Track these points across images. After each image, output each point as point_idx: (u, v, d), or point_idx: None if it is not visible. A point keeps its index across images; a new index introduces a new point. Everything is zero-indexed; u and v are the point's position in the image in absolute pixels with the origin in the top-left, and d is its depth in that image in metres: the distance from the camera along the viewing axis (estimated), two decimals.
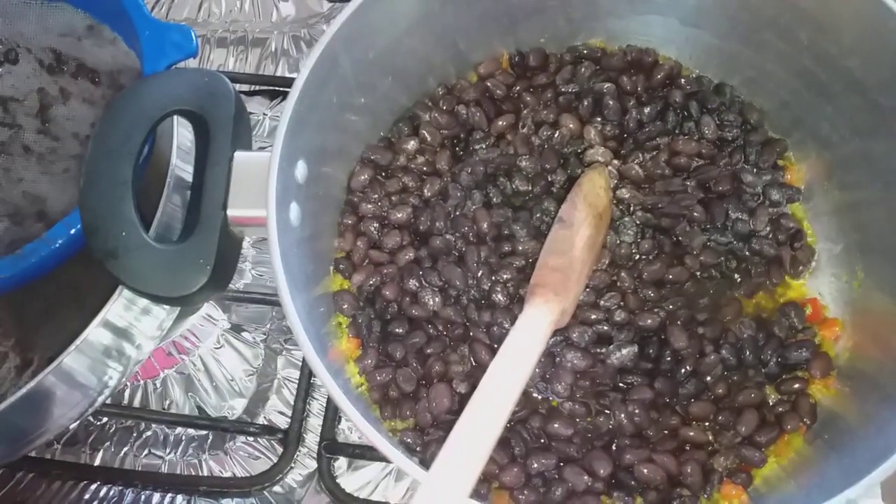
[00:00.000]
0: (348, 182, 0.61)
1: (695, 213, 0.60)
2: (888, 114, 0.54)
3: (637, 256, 0.60)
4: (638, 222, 0.61)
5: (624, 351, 0.56)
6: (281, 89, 0.84)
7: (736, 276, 0.60)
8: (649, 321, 0.57)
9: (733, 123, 0.63)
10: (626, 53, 0.65)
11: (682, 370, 0.56)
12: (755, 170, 0.62)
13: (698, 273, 0.59)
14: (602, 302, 0.58)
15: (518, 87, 0.65)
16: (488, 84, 0.65)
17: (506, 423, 0.46)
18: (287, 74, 0.86)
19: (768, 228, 0.60)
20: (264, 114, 0.83)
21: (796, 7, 0.55)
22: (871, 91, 0.54)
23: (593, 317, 0.57)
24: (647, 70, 0.64)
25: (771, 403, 0.56)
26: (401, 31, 0.58)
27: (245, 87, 0.84)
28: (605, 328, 0.57)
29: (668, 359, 0.56)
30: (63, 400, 0.59)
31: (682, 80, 0.64)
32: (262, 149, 0.78)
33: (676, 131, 0.63)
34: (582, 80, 0.64)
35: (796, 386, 0.56)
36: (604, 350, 0.56)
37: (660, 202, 0.60)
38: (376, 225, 0.60)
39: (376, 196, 0.61)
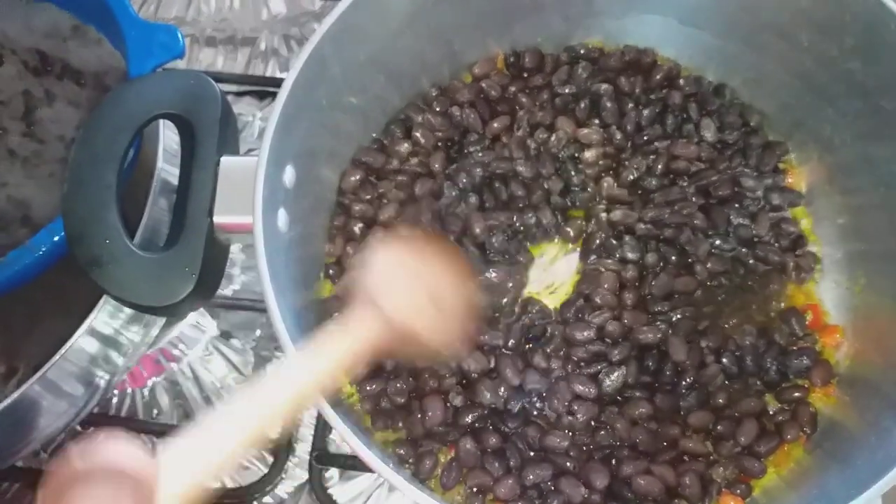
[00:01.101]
0: (339, 184, 0.60)
1: (696, 221, 0.59)
2: (890, 117, 0.53)
3: (644, 273, 0.58)
4: (638, 235, 0.59)
5: (614, 376, 0.54)
6: (271, 90, 0.83)
7: (749, 282, 0.58)
8: (650, 336, 0.55)
9: (733, 126, 0.61)
10: (625, 54, 0.64)
11: (683, 382, 0.54)
12: (756, 173, 0.61)
13: (707, 281, 0.58)
14: (594, 319, 0.56)
15: (513, 88, 0.63)
16: (483, 85, 0.63)
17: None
18: (277, 74, 0.85)
19: (771, 234, 0.59)
20: (254, 115, 0.82)
21: (797, 8, 0.55)
22: (872, 94, 0.54)
23: (587, 334, 0.56)
24: (646, 71, 0.63)
25: (771, 412, 0.55)
26: (392, 30, 0.57)
27: (234, 88, 0.82)
28: (601, 347, 0.56)
29: (668, 372, 0.55)
30: (49, 409, 0.58)
31: (681, 81, 0.63)
32: (251, 151, 0.78)
33: (675, 134, 0.62)
34: (579, 81, 0.63)
35: (796, 394, 0.55)
36: (602, 367, 0.55)
37: (661, 214, 0.59)
38: (363, 226, 0.59)
39: (368, 197, 0.59)
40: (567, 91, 0.63)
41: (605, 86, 0.62)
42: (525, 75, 0.64)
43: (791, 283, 0.59)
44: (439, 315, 0.47)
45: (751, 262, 0.59)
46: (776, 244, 0.59)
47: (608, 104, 0.62)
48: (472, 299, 0.50)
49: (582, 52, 0.64)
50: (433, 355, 0.50)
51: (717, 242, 0.59)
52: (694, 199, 0.60)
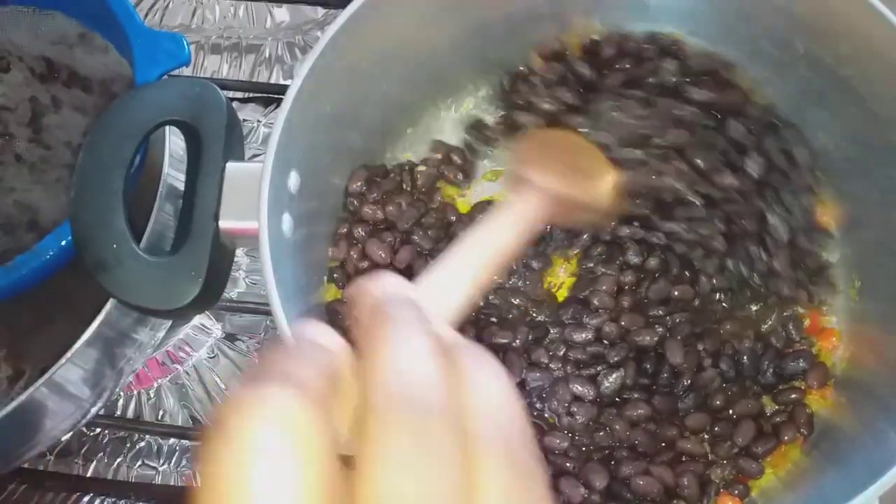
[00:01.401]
0: (346, 187, 0.60)
1: (714, 243, 0.56)
2: (884, 124, 0.53)
3: (642, 277, 0.58)
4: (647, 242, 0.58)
5: (612, 377, 0.55)
6: (275, 96, 0.84)
7: (752, 305, 0.58)
8: (647, 339, 0.56)
9: (779, 167, 0.58)
10: (705, 57, 0.60)
11: (681, 384, 0.55)
12: (785, 211, 0.57)
13: (708, 294, 0.57)
14: (591, 321, 0.57)
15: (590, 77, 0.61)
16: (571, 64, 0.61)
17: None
18: (281, 81, 0.85)
19: (790, 269, 0.56)
20: (258, 121, 0.83)
21: (792, 15, 0.55)
22: (867, 100, 0.54)
23: (585, 336, 0.56)
24: (723, 86, 0.60)
25: (768, 414, 0.55)
26: (395, 39, 0.57)
27: (239, 94, 0.83)
28: (598, 349, 0.56)
29: (666, 374, 0.55)
30: (55, 412, 0.59)
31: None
32: (255, 156, 0.79)
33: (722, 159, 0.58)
34: (663, 77, 0.59)
35: (793, 396, 0.55)
36: (601, 368, 0.55)
37: (678, 229, 0.57)
38: (369, 229, 0.59)
39: (375, 195, 0.60)
40: (650, 84, 0.59)
41: (697, 91, 0.58)
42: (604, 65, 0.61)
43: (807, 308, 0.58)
44: (588, 180, 0.54)
45: (760, 288, 0.57)
46: (793, 276, 0.57)
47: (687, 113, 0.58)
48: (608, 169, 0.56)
49: (662, 44, 0.61)
50: (590, 214, 0.55)
51: (729, 263, 0.57)
52: (716, 223, 0.57)
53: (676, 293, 0.58)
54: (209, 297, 0.49)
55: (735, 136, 0.57)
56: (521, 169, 0.51)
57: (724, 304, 0.58)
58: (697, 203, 0.56)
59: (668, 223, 0.58)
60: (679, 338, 0.56)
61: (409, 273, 0.58)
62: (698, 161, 0.56)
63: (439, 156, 0.63)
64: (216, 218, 0.48)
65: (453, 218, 0.61)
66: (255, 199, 0.47)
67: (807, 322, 0.58)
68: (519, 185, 0.50)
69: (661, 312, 0.57)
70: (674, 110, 0.58)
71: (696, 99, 0.58)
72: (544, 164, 0.52)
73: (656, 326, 0.57)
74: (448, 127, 0.65)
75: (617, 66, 0.61)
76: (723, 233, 0.57)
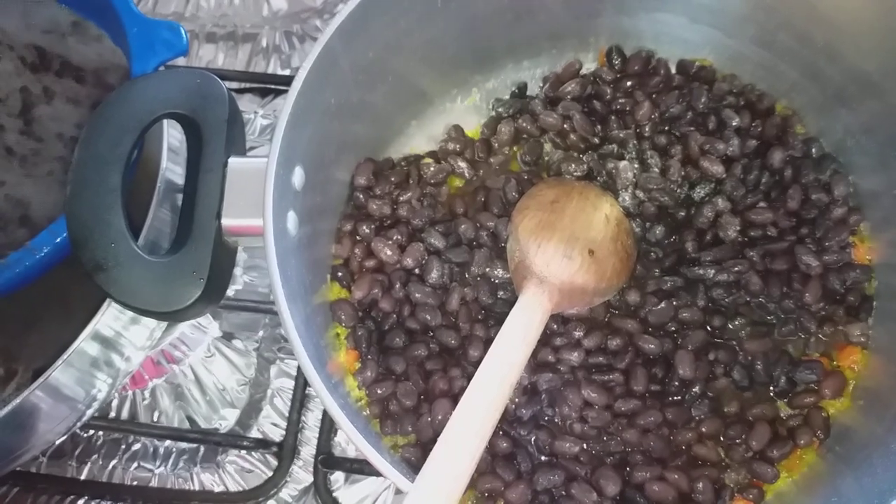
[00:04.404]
0: (351, 180, 0.59)
1: (752, 287, 0.55)
2: None
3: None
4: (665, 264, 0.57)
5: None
6: (273, 87, 0.82)
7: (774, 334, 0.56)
8: (652, 346, 0.54)
9: (816, 204, 0.57)
10: (744, 91, 0.61)
11: (693, 391, 0.53)
12: (818, 249, 0.56)
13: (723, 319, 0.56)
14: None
15: (617, 94, 0.61)
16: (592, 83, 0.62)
17: (495, 423, 0.46)
18: (279, 71, 0.84)
19: (821, 304, 0.55)
20: (255, 112, 0.81)
21: (811, 7, 0.54)
22: (887, 94, 0.53)
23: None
24: (762, 115, 0.60)
25: (783, 417, 0.54)
26: (401, 29, 0.56)
27: (235, 85, 0.82)
28: (602, 360, 0.55)
29: (677, 383, 0.54)
30: (49, 415, 0.58)
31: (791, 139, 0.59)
32: (252, 148, 0.77)
33: (759, 189, 0.58)
34: (696, 103, 0.60)
35: (809, 399, 0.54)
36: (612, 377, 0.54)
37: (709, 272, 0.56)
38: (374, 227, 0.58)
39: (381, 189, 0.58)
40: (678, 112, 0.60)
41: (736, 119, 0.58)
42: (630, 83, 0.62)
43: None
44: (597, 260, 0.54)
45: (782, 318, 0.56)
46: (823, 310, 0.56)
47: (735, 142, 0.58)
48: (621, 225, 0.57)
49: (694, 70, 0.62)
50: (602, 296, 0.55)
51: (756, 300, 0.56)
52: (754, 263, 0.56)
53: (684, 315, 0.56)
54: (211, 298, 0.47)
55: (776, 165, 0.57)
56: (526, 252, 0.53)
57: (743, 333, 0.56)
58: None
59: (698, 268, 0.56)
60: (689, 347, 0.54)
61: (414, 272, 0.57)
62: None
63: (452, 147, 0.61)
64: (218, 216, 0.47)
65: (460, 210, 0.59)
66: (258, 196, 0.46)
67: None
68: (526, 280, 0.52)
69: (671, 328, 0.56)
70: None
71: (734, 125, 0.58)
72: (549, 235, 0.53)
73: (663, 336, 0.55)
74: (454, 119, 0.64)
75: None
76: (758, 270, 0.55)
